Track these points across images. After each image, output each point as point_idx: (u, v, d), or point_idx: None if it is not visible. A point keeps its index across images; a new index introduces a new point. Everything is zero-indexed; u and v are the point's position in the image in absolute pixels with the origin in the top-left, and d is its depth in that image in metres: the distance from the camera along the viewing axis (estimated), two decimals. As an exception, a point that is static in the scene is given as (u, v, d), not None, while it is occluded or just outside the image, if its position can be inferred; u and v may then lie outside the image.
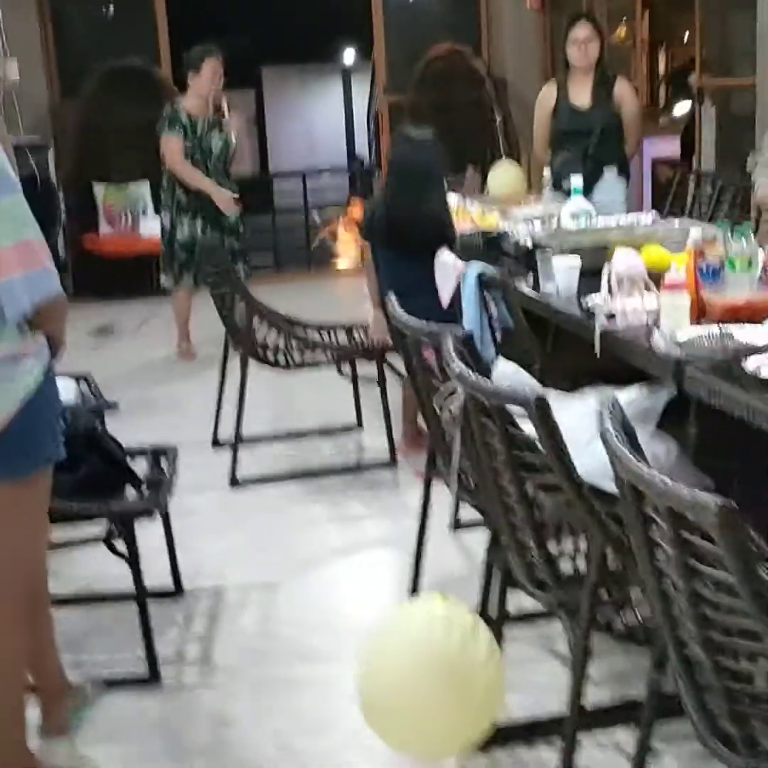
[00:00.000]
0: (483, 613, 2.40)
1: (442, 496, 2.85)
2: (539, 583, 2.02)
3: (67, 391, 3.34)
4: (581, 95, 4.87)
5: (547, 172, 4.78)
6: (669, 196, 5.39)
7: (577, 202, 3.87)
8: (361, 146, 15.67)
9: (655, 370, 2.39)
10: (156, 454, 3.06)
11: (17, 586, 2.18)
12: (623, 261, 2.75)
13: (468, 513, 3.11)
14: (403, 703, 2.07)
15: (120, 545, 2.68)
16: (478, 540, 2.91)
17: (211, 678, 2.73)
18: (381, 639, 2.12)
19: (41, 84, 7.64)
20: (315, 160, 16.13)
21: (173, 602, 3.09)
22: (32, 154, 6.94)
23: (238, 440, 4.03)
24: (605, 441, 1.51)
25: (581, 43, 4.75)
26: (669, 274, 2.55)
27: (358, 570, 3.34)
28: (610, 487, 1.70)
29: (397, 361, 3.76)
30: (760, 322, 2.46)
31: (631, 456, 1.43)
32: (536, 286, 3.15)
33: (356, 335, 4.22)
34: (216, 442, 4.38)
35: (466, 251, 3.75)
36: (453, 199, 4.30)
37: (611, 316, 2.64)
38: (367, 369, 4.21)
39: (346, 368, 4.22)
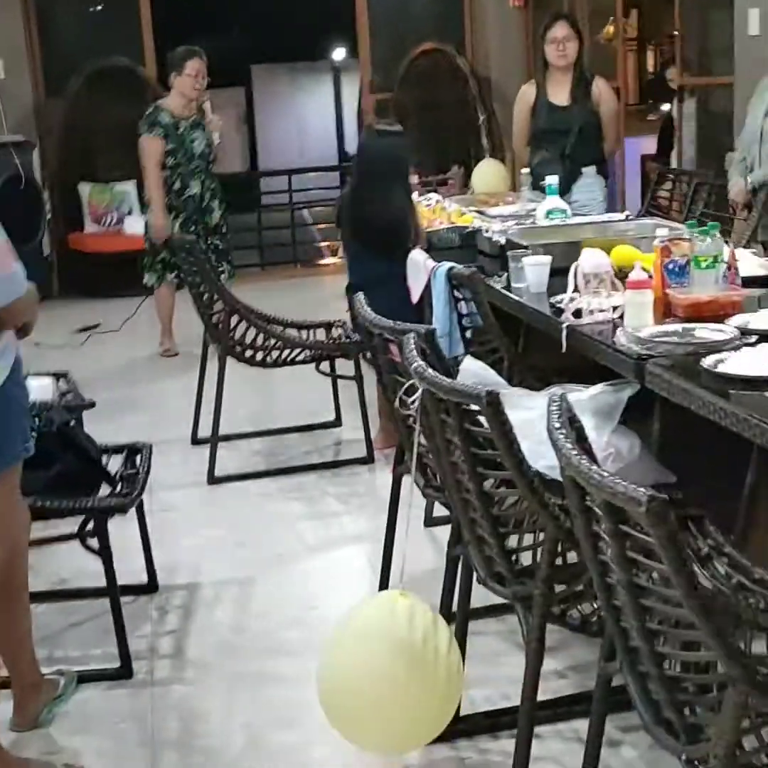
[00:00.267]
0: (448, 607, 2.43)
1: (418, 491, 2.88)
2: (498, 577, 2.05)
3: (44, 389, 3.38)
4: (560, 94, 4.90)
5: (525, 171, 4.81)
6: (648, 194, 5.43)
7: (553, 201, 3.91)
8: (352, 144, 15.69)
9: (618, 367, 2.42)
10: (131, 452, 3.09)
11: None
12: (590, 259, 2.79)
13: (443, 509, 3.14)
14: (366, 690, 2.09)
15: (95, 542, 2.72)
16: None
17: (184, 672, 2.76)
18: (342, 631, 2.14)
19: (26, 83, 7.65)
20: (305, 158, 16.13)
21: (149, 597, 3.12)
22: (17, 153, 6.95)
23: (215, 437, 4.06)
24: (550, 436, 1.55)
25: (559, 43, 4.78)
26: (633, 273, 2.58)
27: (333, 565, 3.37)
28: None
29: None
30: (722, 319, 2.49)
31: (572, 450, 1.46)
32: (509, 284, 3.19)
33: (335, 333, 4.25)
34: (195, 440, 4.41)
35: (442, 249, 3.79)
36: (421, 197, 4.34)
37: (578, 314, 2.67)
38: (346, 365, 4.24)
39: (325, 365, 4.25)
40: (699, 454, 2.38)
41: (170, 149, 5.51)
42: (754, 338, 2.31)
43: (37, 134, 7.61)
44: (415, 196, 4.16)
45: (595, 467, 1.39)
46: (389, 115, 7.48)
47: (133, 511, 2.90)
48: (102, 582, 2.74)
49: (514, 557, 2.02)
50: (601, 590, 1.53)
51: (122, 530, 2.97)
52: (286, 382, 4.78)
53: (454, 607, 2.41)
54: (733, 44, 5.26)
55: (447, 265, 3.16)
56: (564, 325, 2.64)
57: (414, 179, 4.07)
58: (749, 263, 2.94)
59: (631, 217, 3.87)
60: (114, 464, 3.02)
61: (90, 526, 2.71)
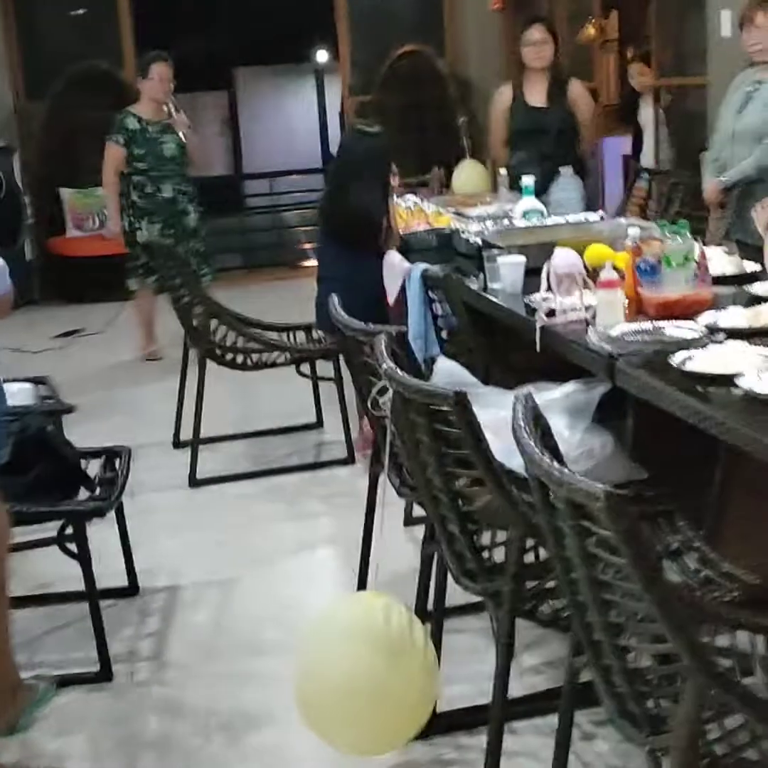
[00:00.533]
0: (423, 604, 2.45)
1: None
2: (470, 574, 2.08)
3: (23, 394, 3.38)
4: (536, 96, 4.94)
5: (503, 172, 4.84)
6: (625, 194, 5.47)
7: (529, 201, 3.94)
8: (335, 146, 15.69)
9: (589, 365, 2.45)
10: (110, 455, 3.10)
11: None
12: (563, 259, 2.81)
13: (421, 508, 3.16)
14: (342, 689, 2.10)
15: (74, 546, 2.73)
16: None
17: (163, 674, 2.78)
18: (315, 632, 2.16)
19: (6, 87, 7.65)
20: (289, 161, 16.15)
21: (129, 600, 3.14)
22: (-3, 157, 6.95)
23: (196, 440, 4.08)
24: (514, 434, 1.57)
25: (534, 45, 4.82)
26: (603, 272, 2.61)
27: (313, 566, 3.39)
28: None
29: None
30: (692, 317, 2.52)
31: (534, 448, 1.49)
32: (485, 285, 3.21)
33: (315, 335, 4.27)
34: (177, 443, 4.42)
35: (420, 250, 3.81)
36: (400, 198, 4.36)
37: (551, 314, 2.70)
38: (327, 367, 4.25)
39: (306, 367, 4.27)
40: (672, 450, 2.41)
41: (140, 154, 5.54)
42: (722, 336, 2.34)
43: (17, 139, 7.61)
44: (394, 198, 4.17)
45: (555, 464, 1.41)
46: (369, 117, 7.51)
47: (113, 514, 2.92)
48: (82, 586, 2.75)
49: (484, 554, 2.04)
50: (565, 585, 1.56)
51: (103, 534, 2.99)
52: (266, 384, 4.79)
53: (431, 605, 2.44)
54: (706, 46, 5.30)
55: (422, 266, 3.18)
56: (538, 325, 2.66)
57: (395, 181, 4.08)
58: (720, 261, 2.97)
59: (606, 218, 3.89)
60: (93, 468, 3.03)
61: (69, 530, 2.72)
